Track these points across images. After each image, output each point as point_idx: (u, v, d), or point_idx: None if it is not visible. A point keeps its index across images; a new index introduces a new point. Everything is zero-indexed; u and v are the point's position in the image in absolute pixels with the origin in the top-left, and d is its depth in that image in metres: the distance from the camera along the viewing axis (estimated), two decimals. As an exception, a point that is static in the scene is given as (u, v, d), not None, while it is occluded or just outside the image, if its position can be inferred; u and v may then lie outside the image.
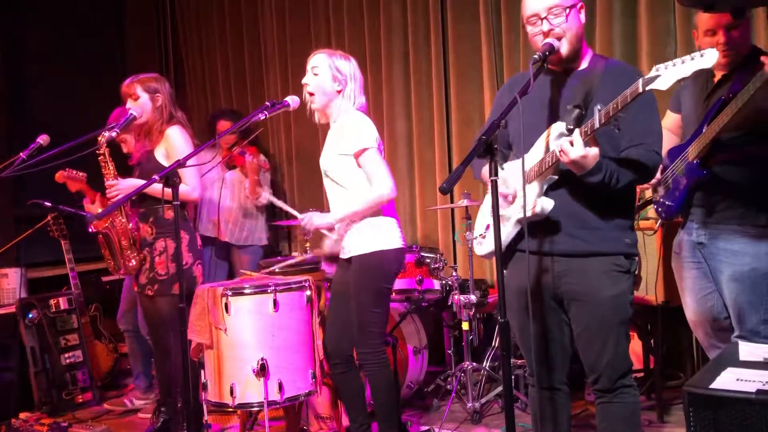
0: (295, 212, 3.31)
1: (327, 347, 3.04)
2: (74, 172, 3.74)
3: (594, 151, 2.04)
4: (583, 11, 2.22)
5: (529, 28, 2.21)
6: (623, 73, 2.15)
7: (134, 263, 3.40)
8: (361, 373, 3.02)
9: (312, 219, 2.97)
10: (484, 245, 2.43)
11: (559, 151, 2.06)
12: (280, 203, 3.67)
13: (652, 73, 1.90)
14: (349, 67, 2.94)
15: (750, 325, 2.61)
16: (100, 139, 3.33)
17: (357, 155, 2.85)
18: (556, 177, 2.20)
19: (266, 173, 4.80)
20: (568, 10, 2.16)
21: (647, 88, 1.90)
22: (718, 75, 2.67)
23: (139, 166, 3.49)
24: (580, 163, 2.04)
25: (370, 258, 2.88)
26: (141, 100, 3.37)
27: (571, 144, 2.03)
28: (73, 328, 4.35)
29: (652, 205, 2.97)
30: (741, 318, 2.63)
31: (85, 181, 3.84)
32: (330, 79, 2.90)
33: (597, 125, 2.00)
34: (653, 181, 2.85)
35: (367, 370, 2.92)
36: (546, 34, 2.16)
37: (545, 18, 2.16)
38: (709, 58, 1.82)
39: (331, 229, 2.99)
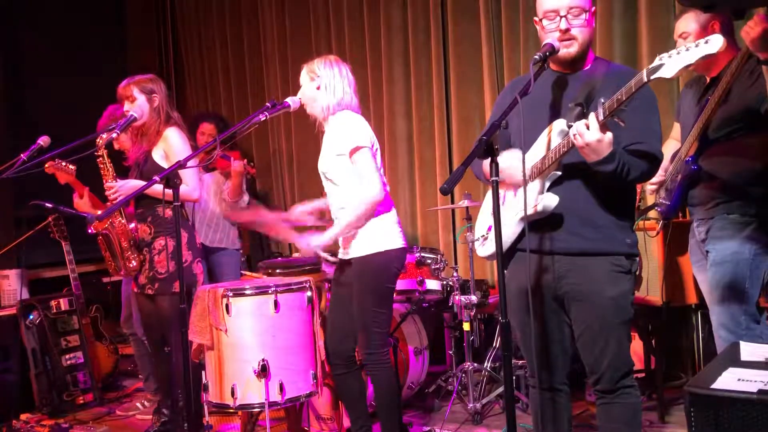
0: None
1: (328, 348, 3.04)
2: (63, 163, 3.72)
3: (609, 137, 2.01)
4: (595, 16, 2.23)
5: (545, 23, 2.20)
6: (625, 76, 2.14)
7: (135, 264, 3.39)
8: (363, 373, 3.02)
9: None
10: (487, 246, 2.42)
11: (574, 135, 2.03)
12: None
13: (656, 63, 1.89)
14: (324, 65, 2.96)
15: (731, 314, 2.65)
16: (98, 141, 3.33)
17: (351, 153, 2.86)
18: (559, 173, 2.19)
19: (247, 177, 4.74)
20: (587, 14, 2.17)
21: (652, 77, 1.89)
22: (709, 79, 2.79)
23: (136, 167, 3.48)
24: (595, 147, 2.01)
25: (371, 259, 2.87)
26: (138, 101, 3.36)
27: (587, 127, 2.00)
28: (74, 329, 4.36)
29: (654, 208, 3.01)
30: (723, 305, 2.66)
31: (74, 174, 3.82)
32: (308, 82, 2.98)
33: (601, 117, 1.99)
34: (657, 181, 2.90)
35: (370, 371, 2.91)
36: (563, 32, 2.16)
37: (564, 16, 2.16)
38: (714, 44, 1.79)
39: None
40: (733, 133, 2.67)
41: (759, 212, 2.65)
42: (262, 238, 5.97)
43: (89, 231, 3.47)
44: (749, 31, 2.36)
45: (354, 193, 2.88)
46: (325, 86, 2.93)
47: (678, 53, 1.85)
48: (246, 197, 4.59)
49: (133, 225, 3.42)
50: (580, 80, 2.23)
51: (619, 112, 1.98)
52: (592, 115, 2.01)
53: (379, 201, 2.86)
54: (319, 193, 3.17)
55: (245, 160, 4.51)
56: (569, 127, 2.08)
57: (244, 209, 4.63)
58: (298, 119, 5.40)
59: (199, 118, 4.92)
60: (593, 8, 2.22)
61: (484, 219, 2.48)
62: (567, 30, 2.16)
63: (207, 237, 4.63)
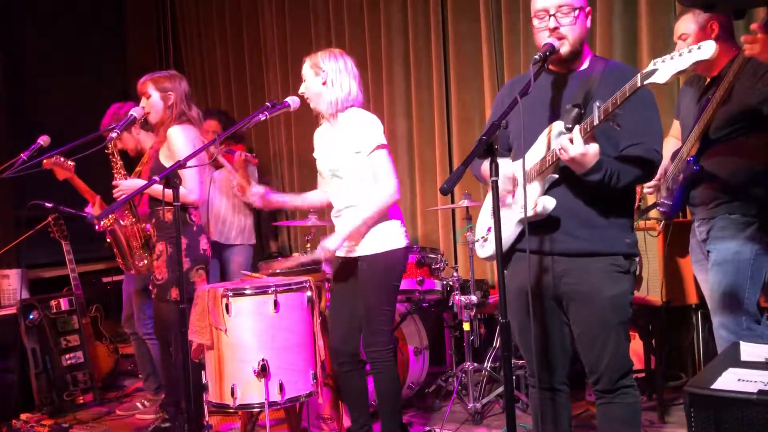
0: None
1: (334, 346, 3.04)
2: (62, 159, 3.72)
3: (594, 149, 2.03)
4: (589, 17, 2.23)
5: (536, 22, 2.22)
6: (623, 74, 2.14)
7: (147, 262, 3.40)
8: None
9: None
10: (487, 248, 2.42)
11: (559, 149, 2.06)
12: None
13: (650, 68, 1.90)
14: (329, 59, 2.93)
15: (731, 314, 2.65)
16: (108, 139, 3.34)
17: (372, 151, 2.86)
18: (557, 176, 2.20)
19: (254, 169, 4.75)
20: (577, 12, 2.16)
21: (645, 83, 1.90)
22: (709, 79, 2.78)
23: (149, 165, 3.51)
24: (579, 160, 2.04)
25: (378, 258, 2.88)
26: (152, 98, 3.37)
27: (571, 141, 2.02)
28: (74, 329, 4.36)
29: (656, 208, 3.01)
30: (724, 306, 2.66)
31: (73, 170, 3.82)
32: (313, 77, 2.93)
33: (596, 122, 2.00)
34: (654, 182, 2.90)
35: (375, 369, 2.92)
36: (552, 31, 2.17)
37: (553, 15, 2.16)
38: (706, 49, 1.81)
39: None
40: (735, 133, 2.66)
41: (760, 212, 2.65)
42: (262, 239, 5.98)
43: (96, 228, 3.49)
44: (752, 49, 2.36)
45: (365, 191, 2.88)
46: (331, 81, 2.90)
47: (671, 58, 1.87)
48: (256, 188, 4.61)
49: (145, 225, 3.44)
50: (578, 79, 2.23)
51: (615, 115, 1.99)
52: (576, 129, 2.03)
53: (394, 201, 2.89)
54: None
55: (244, 152, 4.52)
56: (567, 129, 2.09)
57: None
58: (298, 118, 5.39)
59: (204, 116, 4.94)
60: (587, 7, 2.21)
61: (483, 220, 2.48)
62: (555, 28, 2.16)
63: (222, 235, 4.69)
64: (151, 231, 3.41)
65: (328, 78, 2.90)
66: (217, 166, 4.69)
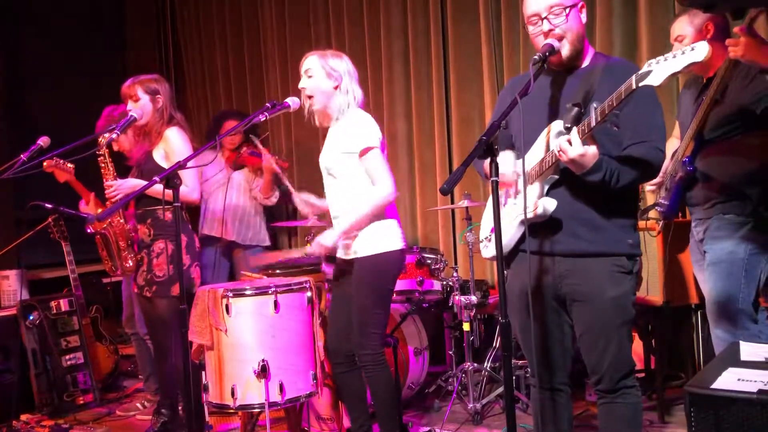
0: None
1: (329, 347, 3.04)
2: (62, 162, 3.73)
3: (592, 150, 2.03)
4: (584, 11, 2.22)
5: (530, 28, 2.21)
6: (623, 71, 2.12)
7: (131, 264, 3.40)
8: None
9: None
10: (490, 248, 2.42)
11: (558, 151, 2.06)
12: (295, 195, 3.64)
13: (644, 69, 1.91)
14: (341, 63, 2.94)
15: (729, 314, 2.66)
16: (100, 140, 3.34)
17: (361, 154, 2.85)
18: (557, 176, 2.19)
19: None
20: (568, 10, 2.15)
21: (640, 84, 1.90)
22: (705, 79, 2.80)
23: (137, 167, 3.49)
24: (578, 161, 2.04)
25: (372, 260, 2.88)
26: (141, 101, 3.37)
27: (570, 143, 2.02)
28: (74, 329, 4.36)
29: (654, 208, 3.02)
30: (719, 306, 2.68)
31: (73, 173, 3.82)
32: (324, 77, 2.91)
33: (593, 123, 2.00)
34: (657, 181, 2.91)
35: (367, 372, 2.92)
36: (546, 34, 2.16)
37: (546, 18, 2.16)
38: (699, 51, 1.82)
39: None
40: (729, 134, 2.68)
41: (755, 212, 2.66)
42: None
43: (87, 230, 3.48)
44: (735, 51, 2.37)
45: (358, 191, 2.88)
46: (346, 89, 2.91)
47: (665, 60, 1.87)
48: (277, 193, 4.64)
49: (129, 225, 3.43)
50: (578, 78, 2.23)
51: (613, 116, 1.99)
52: (574, 131, 2.03)
53: (390, 201, 2.88)
54: (319, 189, 3.17)
55: (275, 156, 4.56)
56: (566, 128, 2.08)
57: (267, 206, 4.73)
58: (298, 118, 5.39)
59: (223, 117, 4.98)
60: (580, 3, 2.20)
61: (487, 221, 2.48)
62: (549, 31, 2.16)
63: (239, 234, 4.72)
64: (136, 231, 3.40)
65: (342, 84, 2.91)
66: (237, 166, 4.73)
